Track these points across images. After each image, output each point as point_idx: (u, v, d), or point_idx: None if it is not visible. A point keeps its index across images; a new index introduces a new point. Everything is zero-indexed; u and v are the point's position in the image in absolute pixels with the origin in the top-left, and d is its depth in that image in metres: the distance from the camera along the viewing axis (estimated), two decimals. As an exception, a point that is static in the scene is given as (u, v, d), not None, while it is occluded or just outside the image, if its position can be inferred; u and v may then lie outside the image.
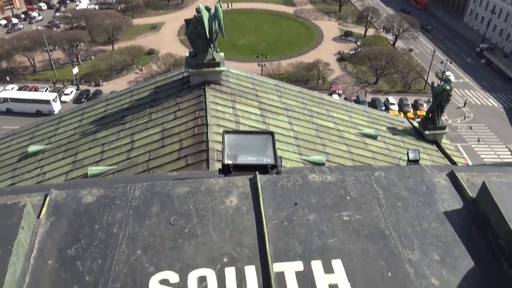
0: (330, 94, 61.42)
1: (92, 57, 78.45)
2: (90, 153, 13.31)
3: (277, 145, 11.11)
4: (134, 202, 4.09)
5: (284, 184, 4.38)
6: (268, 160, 5.00)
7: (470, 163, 49.12)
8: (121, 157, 12.63)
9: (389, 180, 4.55)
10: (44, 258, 3.53)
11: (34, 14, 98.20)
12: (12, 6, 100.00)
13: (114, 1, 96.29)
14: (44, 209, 3.97)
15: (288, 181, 4.43)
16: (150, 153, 12.43)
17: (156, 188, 4.29)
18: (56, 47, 75.71)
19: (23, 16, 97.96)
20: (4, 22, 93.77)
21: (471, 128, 62.59)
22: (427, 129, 17.78)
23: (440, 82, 18.92)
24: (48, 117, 17.41)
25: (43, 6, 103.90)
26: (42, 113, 59.50)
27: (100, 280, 3.34)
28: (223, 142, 5.03)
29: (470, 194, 4.34)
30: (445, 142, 18.06)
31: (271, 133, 5.23)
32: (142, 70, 72.35)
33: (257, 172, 4.52)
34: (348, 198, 4.25)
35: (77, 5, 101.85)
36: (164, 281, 3.33)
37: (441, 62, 76.22)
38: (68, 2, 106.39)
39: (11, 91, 66.09)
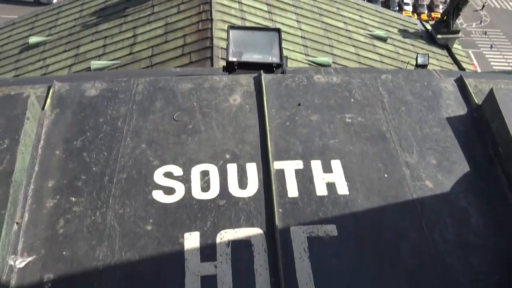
0: (342, -8, 58.02)
1: None
2: (92, 47, 12.99)
3: (284, 44, 10.76)
4: (138, 97, 4.08)
5: (288, 84, 4.32)
6: (273, 58, 4.87)
7: (479, 71, 48.18)
8: (123, 52, 12.36)
9: (395, 83, 4.47)
10: (51, 148, 3.61)
11: None
12: None
13: None
14: (48, 100, 3.97)
15: (293, 81, 4.36)
16: (153, 48, 12.12)
17: (160, 83, 4.24)
18: None
19: None
20: None
21: (485, 33, 60.06)
22: (440, 33, 17.06)
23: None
24: (47, 6, 16.70)
25: None
26: (41, 1, 56.97)
27: (106, 171, 3.46)
28: (228, 38, 4.86)
29: (476, 101, 4.29)
30: (456, 47, 17.46)
31: (278, 30, 5.02)
32: None
33: (261, 71, 4.43)
34: (352, 100, 4.22)
35: None
36: (168, 174, 3.45)
37: (464, -40, 70.64)
38: None
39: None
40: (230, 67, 4.77)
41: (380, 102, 4.21)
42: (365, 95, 4.28)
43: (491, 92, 4.08)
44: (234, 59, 4.78)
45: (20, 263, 2.97)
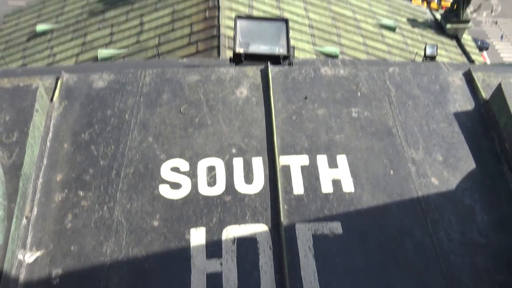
0: (351, -21, 57.29)
1: None
2: (99, 35, 12.99)
3: (291, 33, 10.68)
4: (145, 89, 4.09)
5: (295, 76, 4.31)
6: (280, 50, 4.85)
7: (489, 62, 47.57)
8: (130, 40, 12.35)
9: (402, 76, 4.44)
10: (60, 141, 3.65)
11: None
12: None
13: None
14: (57, 92, 3.99)
15: (300, 73, 4.34)
16: (160, 36, 12.09)
17: (167, 75, 4.25)
18: None
19: None
20: None
21: (496, 23, 59.13)
22: (450, 22, 16.83)
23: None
24: (54, -7, 16.67)
25: None
26: (48, -12, 56.85)
27: (114, 164, 3.49)
28: (235, 28, 4.84)
29: (484, 95, 4.26)
30: (466, 37, 17.24)
31: (286, 20, 4.99)
32: None
33: (268, 63, 4.42)
34: (359, 94, 4.20)
35: None
36: (175, 169, 3.48)
37: None
38: None
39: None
40: (237, 59, 4.76)
41: (387, 96, 4.19)
42: (372, 88, 4.26)
43: (499, 87, 4.04)
44: (241, 50, 4.77)
45: (29, 257, 3.03)
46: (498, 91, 4.02)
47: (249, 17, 5.94)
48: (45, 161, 3.51)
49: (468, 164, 3.72)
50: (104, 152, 3.56)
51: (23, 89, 3.69)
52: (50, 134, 3.68)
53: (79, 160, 3.53)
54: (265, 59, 4.54)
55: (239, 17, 4.85)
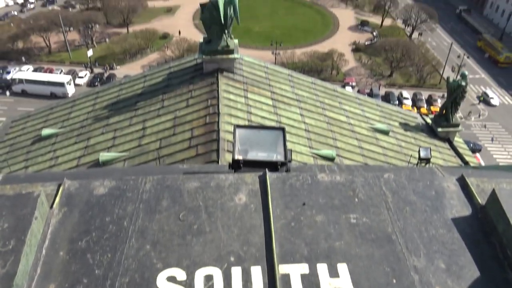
0: (344, 86, 60.95)
1: (107, 39, 78.62)
2: (102, 139, 13.46)
3: (288, 137, 11.06)
4: (145, 196, 4.16)
5: (293, 183, 4.41)
6: (278, 157, 5.04)
7: (483, 163, 48.56)
8: (132, 144, 12.76)
9: (398, 182, 4.56)
10: (56, 249, 3.62)
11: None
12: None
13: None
14: (57, 199, 4.06)
15: (297, 179, 4.46)
16: (161, 140, 12.53)
17: (167, 182, 4.35)
18: (72, 28, 75.99)
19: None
20: (21, 1, 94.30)
21: (485, 126, 61.70)
22: (440, 126, 17.60)
23: (456, 78, 18.66)
24: (62, 100, 17.62)
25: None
26: (56, 95, 60.11)
27: (109, 274, 3.42)
28: (234, 137, 5.06)
29: (480, 201, 4.33)
30: (458, 140, 17.88)
31: (283, 129, 5.25)
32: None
33: (266, 170, 4.56)
34: (356, 200, 4.27)
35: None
36: (171, 278, 3.41)
37: (458, 56, 74.92)
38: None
39: (26, 72, 66.68)
40: (236, 165, 4.91)
41: (384, 202, 4.26)
42: (368, 194, 4.34)
43: (493, 193, 4.13)
44: (240, 157, 4.94)
45: None
46: (493, 197, 4.11)
47: (248, 126, 6.25)
48: (38, 270, 3.44)
49: (472, 272, 3.66)
50: (100, 261, 3.52)
51: (24, 197, 3.76)
52: (47, 242, 3.67)
53: (74, 269, 3.46)
54: (263, 166, 4.69)
55: (238, 126, 5.12)
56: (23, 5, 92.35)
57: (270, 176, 4.43)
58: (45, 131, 14.57)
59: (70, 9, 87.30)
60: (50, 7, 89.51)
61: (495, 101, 66.32)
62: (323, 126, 14.59)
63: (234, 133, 5.09)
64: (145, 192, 4.21)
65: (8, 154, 14.55)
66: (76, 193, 4.18)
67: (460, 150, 17.04)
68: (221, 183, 4.35)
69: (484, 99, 66.69)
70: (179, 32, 78.39)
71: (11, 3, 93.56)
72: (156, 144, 12.43)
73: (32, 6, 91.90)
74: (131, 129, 13.39)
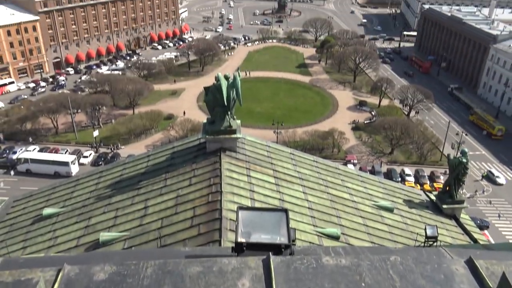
0: (345, 164, 61.44)
1: (113, 120, 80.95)
2: (103, 218, 13.34)
3: (291, 215, 10.96)
4: (146, 282, 4.05)
5: (297, 266, 4.31)
6: (281, 239, 4.96)
7: (492, 241, 47.35)
8: (133, 223, 12.62)
9: (405, 266, 4.44)
10: None
11: (62, 78, 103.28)
12: (41, 70, 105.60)
13: (138, 68, 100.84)
14: (56, 285, 3.95)
15: (301, 263, 4.36)
16: (163, 220, 12.40)
17: (168, 266, 4.25)
18: (79, 110, 78.59)
19: (50, 79, 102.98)
20: (32, 85, 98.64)
21: (490, 202, 61.09)
22: (445, 203, 17.45)
23: (456, 155, 18.88)
24: (65, 179, 17.72)
25: (71, 71, 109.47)
26: (60, 174, 60.60)
27: None
28: (237, 219, 5.04)
29: (490, 285, 4.19)
30: (464, 217, 17.62)
31: (285, 211, 5.23)
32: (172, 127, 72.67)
33: (270, 253, 4.47)
34: (363, 284, 4.14)
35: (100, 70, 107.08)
36: None
37: (457, 134, 76.34)
38: (94, 67, 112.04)
39: (32, 152, 67.86)
40: (239, 248, 4.83)
41: (392, 286, 4.12)
42: (376, 278, 4.21)
43: (504, 277, 4.02)
44: (243, 240, 4.88)
45: None
46: (504, 281, 3.99)
47: (251, 208, 6.24)
48: None
49: None
50: None
51: (23, 284, 3.67)
52: (42, 333, 3.51)
53: None
54: (266, 248, 4.62)
55: (241, 208, 5.11)
56: (34, 89, 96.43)
57: (274, 260, 4.33)
58: (46, 211, 14.49)
59: (79, 93, 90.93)
60: (59, 91, 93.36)
61: (501, 180, 66.13)
62: (326, 204, 14.50)
63: (237, 215, 5.08)
64: (146, 277, 4.10)
65: (7, 235, 14.33)
66: (76, 279, 4.08)
67: (468, 227, 16.73)
68: (224, 268, 4.25)
69: (490, 178, 66.66)
70: (184, 113, 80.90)
71: (23, 86, 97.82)
72: (158, 223, 12.29)
73: (43, 89, 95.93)
74: (133, 208, 13.31)
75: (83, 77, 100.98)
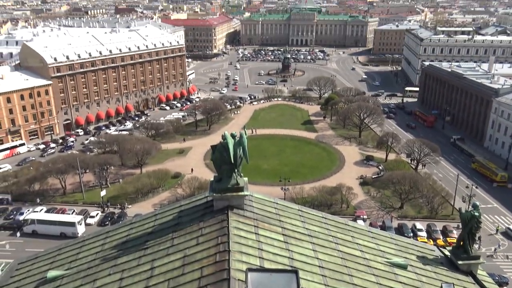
0: (355, 219, 60.45)
1: (121, 180, 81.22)
2: (109, 280, 12.98)
3: (301, 274, 10.60)
4: None
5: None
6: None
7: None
8: (140, 285, 12.25)
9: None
10: None
11: (71, 139, 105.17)
12: (52, 132, 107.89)
13: (146, 128, 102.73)
14: None
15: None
16: (169, 281, 12.04)
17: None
18: (88, 170, 79.22)
19: (60, 141, 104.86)
20: (42, 146, 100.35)
21: (507, 257, 59.00)
22: (461, 259, 16.86)
23: (468, 208, 18.53)
24: (71, 240, 17.45)
25: (80, 132, 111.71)
26: (66, 235, 59.96)
27: None
28: (246, 281, 4.89)
29: None
30: (481, 273, 16.93)
31: (296, 272, 5.08)
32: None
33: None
34: None
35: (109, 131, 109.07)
36: None
37: (466, 187, 75.42)
38: (103, 128, 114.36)
39: (39, 213, 67.65)
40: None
41: None
42: None
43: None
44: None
45: None
46: None
47: (260, 270, 6.09)
48: None
49: None
50: None
51: None
52: None
53: None
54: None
55: (250, 269, 4.99)
56: (44, 150, 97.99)
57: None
58: (51, 273, 14.16)
59: (88, 153, 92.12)
60: (68, 152, 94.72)
61: None
62: (337, 262, 14.04)
63: (246, 277, 4.95)
64: None
65: (9, 300, 13.91)
66: None
67: (486, 284, 16.02)
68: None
69: (508, 234, 64.84)
70: (192, 170, 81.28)
71: (33, 148, 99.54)
72: (164, 284, 11.92)
73: (52, 151, 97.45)
74: (139, 269, 12.98)
75: (92, 138, 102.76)
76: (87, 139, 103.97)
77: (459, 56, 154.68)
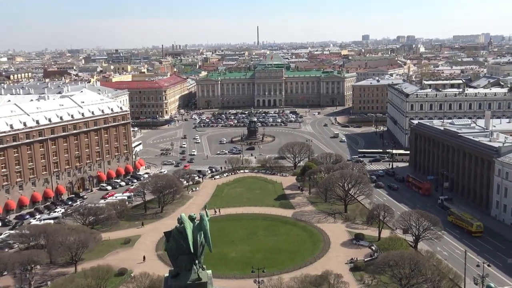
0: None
1: (49, 282, 77.25)
2: None
3: None
4: None
5: None
6: None
7: None
8: None
9: None
10: None
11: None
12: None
13: (82, 214, 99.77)
14: None
15: None
16: None
17: None
18: (6, 272, 75.07)
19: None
20: None
21: None
22: None
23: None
24: None
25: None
26: None
27: None
28: None
29: None
30: None
31: None
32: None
33: None
34: None
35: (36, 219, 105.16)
36: None
37: (477, 265, 75.81)
38: (27, 217, 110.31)
39: None
40: None
41: None
42: None
43: None
44: None
45: None
46: None
47: None
48: None
49: None
50: None
51: None
52: None
53: None
54: None
55: None
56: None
57: None
58: None
59: (7, 250, 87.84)
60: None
61: None
62: None
63: None
64: None
65: None
66: None
67: None
68: None
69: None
70: (144, 258, 78.94)
71: None
72: None
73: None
74: None
75: (12, 231, 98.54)
76: (5, 233, 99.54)
77: (451, 112, 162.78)
